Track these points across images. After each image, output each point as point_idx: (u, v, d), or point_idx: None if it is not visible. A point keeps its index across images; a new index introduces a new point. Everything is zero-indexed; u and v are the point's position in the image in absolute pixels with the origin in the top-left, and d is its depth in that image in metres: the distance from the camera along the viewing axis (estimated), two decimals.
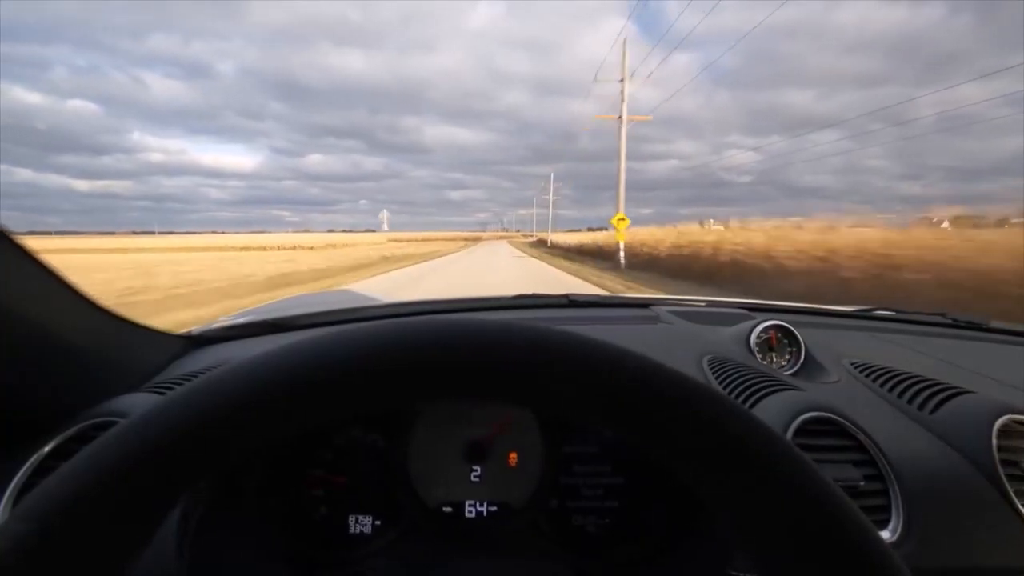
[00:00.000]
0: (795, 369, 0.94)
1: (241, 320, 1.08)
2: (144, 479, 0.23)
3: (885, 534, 0.57)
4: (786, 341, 0.97)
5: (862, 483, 0.59)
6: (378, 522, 0.67)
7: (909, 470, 0.61)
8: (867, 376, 0.85)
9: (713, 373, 0.81)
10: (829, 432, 0.63)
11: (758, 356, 0.95)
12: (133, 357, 0.77)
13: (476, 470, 0.68)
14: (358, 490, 0.68)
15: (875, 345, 1.05)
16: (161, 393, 0.67)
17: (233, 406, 0.24)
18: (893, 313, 1.33)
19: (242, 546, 0.59)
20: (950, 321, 1.26)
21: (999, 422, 0.64)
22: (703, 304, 1.29)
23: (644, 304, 1.27)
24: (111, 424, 0.59)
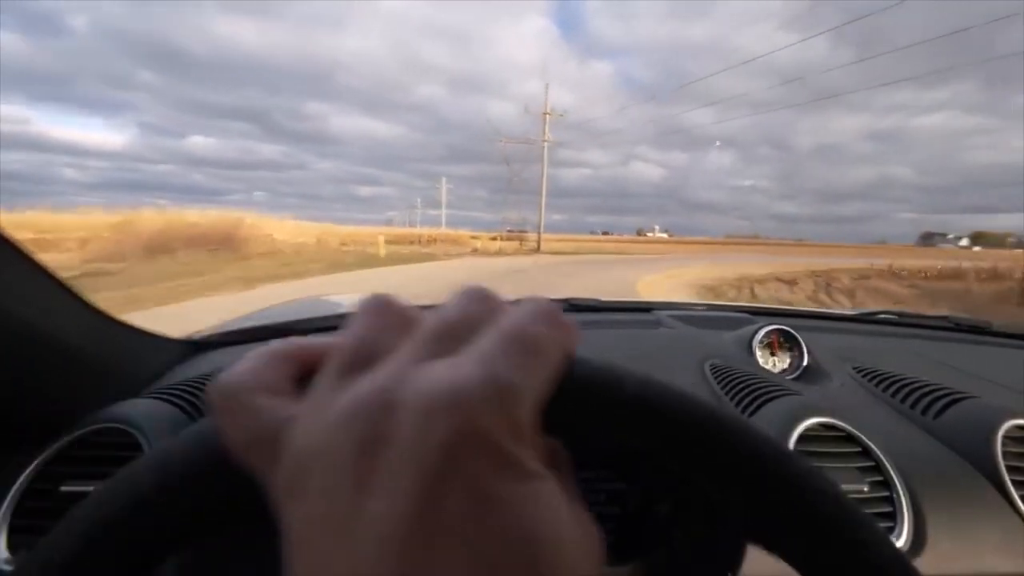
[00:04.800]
0: (797, 373, 0.93)
1: (243, 325, 1.08)
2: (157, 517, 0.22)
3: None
4: (788, 345, 0.97)
5: (866, 489, 0.58)
6: None
7: (913, 476, 0.60)
8: (870, 380, 0.85)
9: (715, 379, 0.81)
10: (832, 438, 0.63)
11: (760, 361, 0.94)
12: (134, 362, 0.76)
13: None
14: None
15: (878, 349, 1.04)
16: (162, 399, 0.67)
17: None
18: (896, 316, 1.33)
19: (240, 552, 0.59)
20: (953, 325, 1.26)
21: (1004, 427, 0.64)
22: (704, 308, 1.29)
23: (646, 308, 1.27)
24: (112, 430, 0.59)
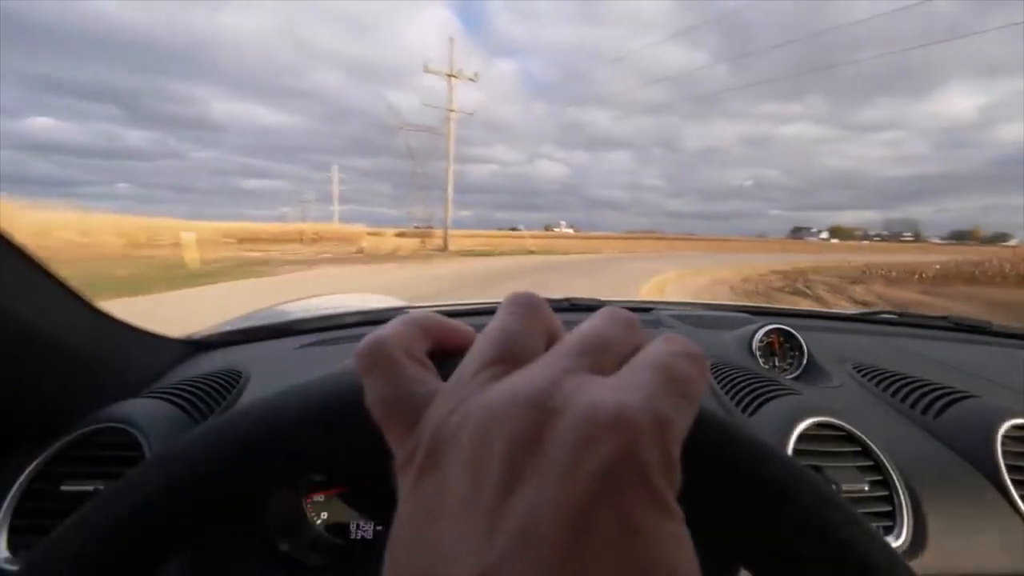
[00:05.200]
0: (798, 373, 0.94)
1: (243, 325, 1.06)
2: (166, 515, 0.23)
3: (890, 539, 0.56)
4: (788, 345, 0.97)
5: (866, 488, 0.58)
6: (380, 527, 0.65)
7: (913, 475, 0.61)
8: (870, 380, 0.85)
9: (715, 379, 0.81)
10: (832, 437, 0.63)
11: (760, 360, 0.95)
12: (134, 362, 0.76)
13: None
14: (359, 496, 0.66)
15: (878, 348, 1.04)
16: (162, 398, 0.66)
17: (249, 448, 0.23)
18: (896, 316, 1.33)
19: (241, 551, 0.58)
20: (953, 325, 1.26)
21: (1004, 427, 0.64)
22: (704, 308, 1.30)
23: (646, 308, 1.26)
24: (112, 430, 0.58)
